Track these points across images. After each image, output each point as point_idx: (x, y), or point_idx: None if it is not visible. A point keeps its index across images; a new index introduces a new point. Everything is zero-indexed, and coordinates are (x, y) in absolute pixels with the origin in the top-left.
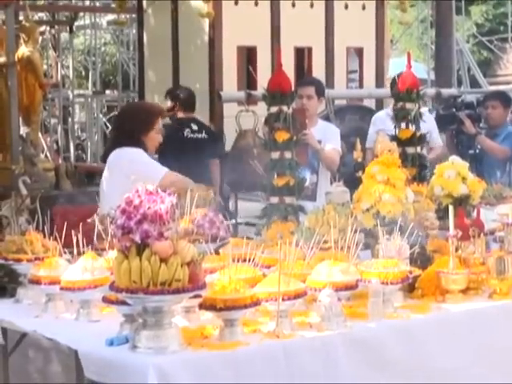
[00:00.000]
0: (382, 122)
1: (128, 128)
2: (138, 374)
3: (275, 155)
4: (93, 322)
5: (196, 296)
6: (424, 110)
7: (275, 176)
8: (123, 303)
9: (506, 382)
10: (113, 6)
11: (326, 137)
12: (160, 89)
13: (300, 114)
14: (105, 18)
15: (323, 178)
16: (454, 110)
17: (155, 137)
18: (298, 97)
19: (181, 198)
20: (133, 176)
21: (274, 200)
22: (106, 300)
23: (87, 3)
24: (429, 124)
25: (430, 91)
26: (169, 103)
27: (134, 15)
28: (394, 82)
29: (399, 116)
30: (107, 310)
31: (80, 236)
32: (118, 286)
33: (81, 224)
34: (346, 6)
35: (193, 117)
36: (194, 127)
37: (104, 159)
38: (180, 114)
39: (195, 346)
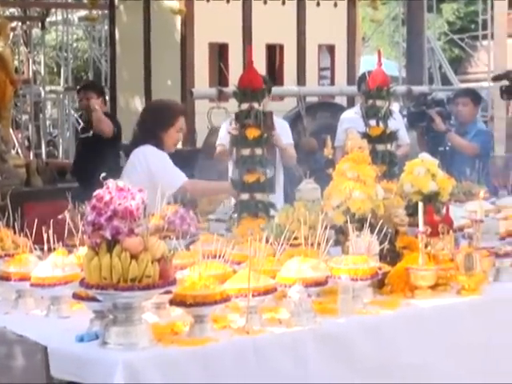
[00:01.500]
0: (351, 121)
1: (148, 124)
2: (107, 370)
3: (246, 152)
4: (63, 318)
5: (166, 292)
6: (395, 107)
7: (245, 172)
8: (93, 299)
9: (473, 377)
10: (85, 1)
11: (278, 132)
12: (132, 85)
13: (268, 115)
14: (76, 14)
15: (279, 171)
16: (424, 107)
17: (175, 135)
18: None
19: (209, 204)
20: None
21: (245, 196)
22: (76, 296)
23: None
24: (397, 121)
25: (401, 89)
26: (94, 98)
27: (106, 11)
28: (362, 79)
29: (369, 113)
30: (77, 307)
31: (51, 232)
32: (88, 283)
33: (51, 220)
34: (318, 4)
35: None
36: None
37: (127, 153)
38: (104, 109)
39: (165, 342)
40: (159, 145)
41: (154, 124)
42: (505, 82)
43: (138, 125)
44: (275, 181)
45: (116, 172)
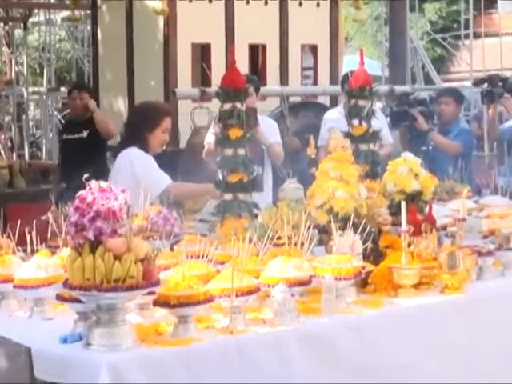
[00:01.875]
0: (334, 121)
1: (134, 125)
2: (91, 371)
3: (228, 152)
4: (46, 319)
5: (150, 293)
6: (378, 106)
7: (228, 173)
8: (77, 301)
9: (456, 376)
10: (67, 2)
11: (265, 130)
12: (115, 86)
13: (251, 112)
14: (59, 15)
15: (267, 169)
16: (407, 106)
17: (160, 135)
18: None
19: (194, 203)
20: (137, 180)
21: (228, 197)
22: (59, 298)
23: (41, 0)
24: (379, 121)
25: (384, 88)
26: (88, 98)
27: (88, 12)
28: (345, 79)
29: (352, 113)
30: (61, 308)
31: (34, 234)
32: (71, 284)
33: (34, 222)
34: (301, 4)
35: None
36: None
37: (114, 155)
38: None
39: (149, 343)
40: (145, 146)
41: (140, 125)
42: (485, 86)
43: (125, 126)
44: (264, 179)
45: (106, 173)
